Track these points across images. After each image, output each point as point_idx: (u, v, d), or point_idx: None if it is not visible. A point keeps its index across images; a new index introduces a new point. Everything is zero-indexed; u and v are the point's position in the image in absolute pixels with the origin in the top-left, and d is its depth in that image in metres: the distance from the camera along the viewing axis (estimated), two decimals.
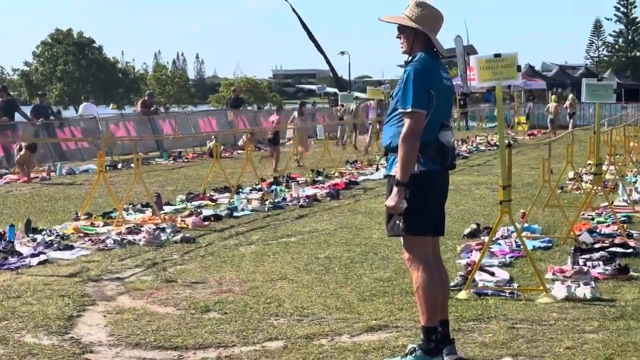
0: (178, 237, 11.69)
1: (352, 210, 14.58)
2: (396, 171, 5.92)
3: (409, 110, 5.85)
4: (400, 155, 5.86)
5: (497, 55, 8.19)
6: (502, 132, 8.44)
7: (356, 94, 43.75)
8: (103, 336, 7.02)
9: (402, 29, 6.15)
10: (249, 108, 45.18)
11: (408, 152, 5.84)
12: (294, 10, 56.92)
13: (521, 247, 10.00)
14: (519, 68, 8.14)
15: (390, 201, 5.92)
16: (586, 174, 18.60)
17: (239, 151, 29.50)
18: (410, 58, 6.10)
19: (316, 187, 17.75)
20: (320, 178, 19.71)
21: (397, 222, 6.02)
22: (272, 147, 23.45)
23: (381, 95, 29.36)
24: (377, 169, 21.23)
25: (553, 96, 43.36)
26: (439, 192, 6.18)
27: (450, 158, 6.11)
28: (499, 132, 8.41)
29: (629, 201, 14.38)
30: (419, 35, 6.07)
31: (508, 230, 11.39)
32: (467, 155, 26.93)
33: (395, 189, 5.89)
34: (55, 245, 11.12)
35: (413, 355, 6.06)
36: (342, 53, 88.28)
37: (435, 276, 6.07)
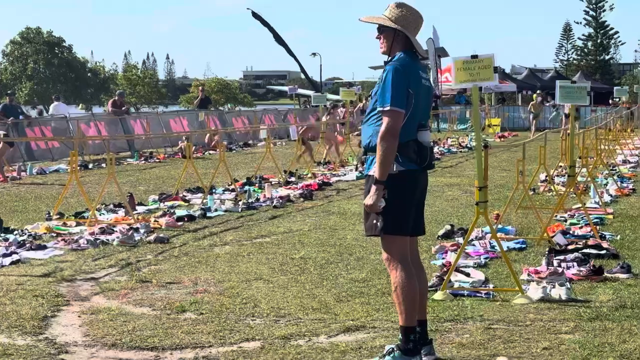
0: (152, 237, 11.63)
1: (326, 211, 14.57)
2: (375, 170, 5.93)
3: (388, 108, 5.87)
4: (379, 154, 5.88)
5: (474, 57, 8.19)
6: (479, 133, 8.44)
7: (328, 95, 43.73)
8: (78, 336, 6.96)
9: (382, 29, 6.18)
10: (220, 108, 44.86)
11: (386, 151, 5.86)
12: (256, 17, 56.55)
13: (495, 248, 10.06)
14: (495, 69, 8.16)
15: (369, 200, 5.94)
16: (558, 175, 18.72)
17: (211, 151, 29.43)
18: (389, 58, 6.12)
19: (289, 188, 17.72)
20: (293, 179, 19.68)
21: (375, 221, 6.02)
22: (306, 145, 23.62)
23: (354, 97, 29.51)
24: (357, 169, 21.24)
25: (535, 95, 43.33)
26: (417, 192, 6.18)
27: (429, 158, 6.13)
28: (476, 133, 8.42)
29: (600, 203, 14.47)
30: (399, 35, 6.11)
31: (482, 231, 11.43)
32: (439, 157, 26.96)
33: (373, 188, 5.91)
34: (27, 245, 11.03)
35: (391, 355, 6.05)
36: (314, 54, 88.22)
37: (414, 276, 6.07)
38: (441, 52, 46.85)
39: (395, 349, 6.08)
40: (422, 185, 6.25)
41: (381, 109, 5.93)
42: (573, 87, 11.16)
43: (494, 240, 9.28)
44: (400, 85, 5.89)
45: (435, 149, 29.30)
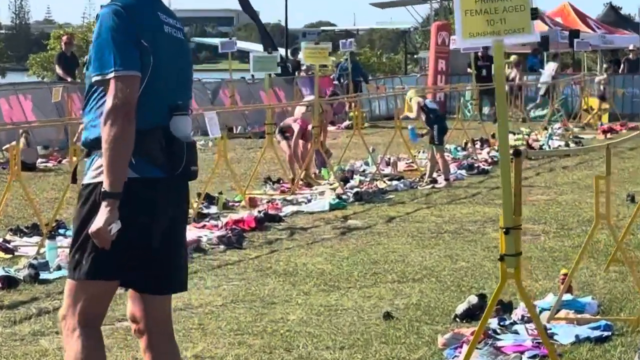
0: None
1: (262, 269, 14.52)
2: (95, 175, 6.43)
3: (112, 75, 6.27)
4: (105, 148, 6.23)
5: None
6: (506, 130, 8.35)
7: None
8: None
9: None
10: None
11: (117, 143, 6.22)
12: None
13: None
14: (534, 13, 8.07)
15: (95, 225, 6.25)
16: None
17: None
18: None
19: (202, 227, 17.60)
20: (212, 210, 19.57)
21: (80, 256, 6.51)
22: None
23: (328, 61, 29.96)
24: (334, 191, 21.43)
25: None
26: (160, 217, 6.53)
27: (186, 161, 6.53)
28: (500, 129, 8.36)
29: None
30: None
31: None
32: (487, 167, 26.57)
33: (102, 206, 6.24)
34: None
35: None
36: None
37: (103, 347, 6.78)
38: None
39: None
40: (172, 205, 6.62)
41: (100, 77, 6.34)
42: None
43: (537, 325, 9.15)
44: (125, 36, 6.32)
45: (484, 154, 29.06)
